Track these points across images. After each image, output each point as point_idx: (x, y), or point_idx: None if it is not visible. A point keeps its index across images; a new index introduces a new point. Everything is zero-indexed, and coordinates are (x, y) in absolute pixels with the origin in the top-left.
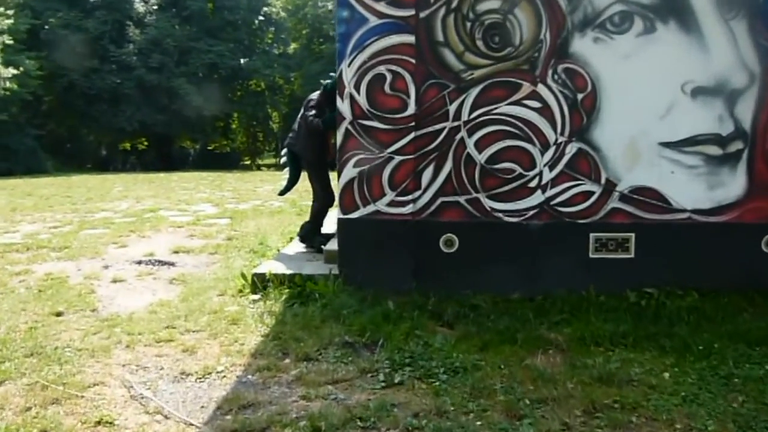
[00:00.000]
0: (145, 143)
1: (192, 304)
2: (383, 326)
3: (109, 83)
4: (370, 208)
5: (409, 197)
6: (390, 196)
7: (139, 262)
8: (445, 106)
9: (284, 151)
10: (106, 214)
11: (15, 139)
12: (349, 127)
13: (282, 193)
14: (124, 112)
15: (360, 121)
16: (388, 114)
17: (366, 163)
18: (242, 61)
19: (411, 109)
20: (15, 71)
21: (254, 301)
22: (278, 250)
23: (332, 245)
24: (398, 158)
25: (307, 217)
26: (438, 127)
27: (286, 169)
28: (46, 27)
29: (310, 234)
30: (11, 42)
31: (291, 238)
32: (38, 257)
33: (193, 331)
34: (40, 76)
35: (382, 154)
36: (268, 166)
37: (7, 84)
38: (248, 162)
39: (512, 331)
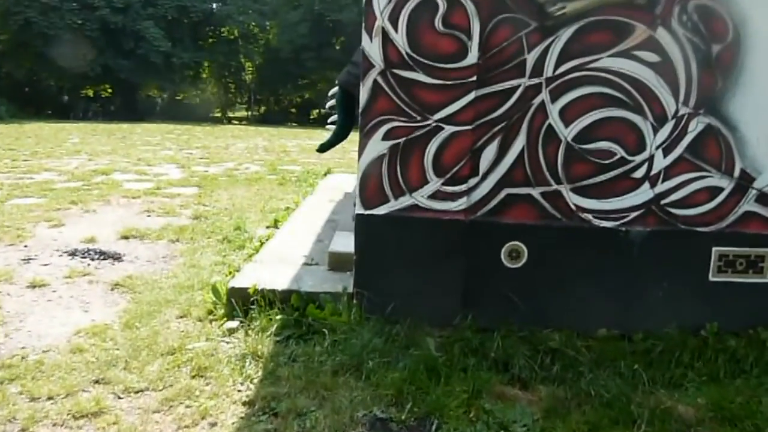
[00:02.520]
0: (109, 90)
1: (139, 335)
2: (430, 387)
3: (69, 23)
4: (405, 200)
5: (463, 187)
6: (434, 184)
7: (74, 253)
8: (522, 54)
9: (333, 90)
10: (47, 176)
11: None
12: (380, 79)
13: (323, 148)
14: (86, 55)
15: (396, 70)
16: (438, 62)
17: (402, 134)
18: (214, 5)
19: (472, 57)
20: None
21: (231, 331)
22: (261, 242)
23: (340, 244)
24: (450, 129)
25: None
26: (509, 84)
27: (333, 117)
28: None
29: None
30: None
31: (276, 221)
32: None
33: (137, 392)
34: None
35: (426, 122)
36: (240, 120)
37: None
38: (219, 114)
39: (623, 399)
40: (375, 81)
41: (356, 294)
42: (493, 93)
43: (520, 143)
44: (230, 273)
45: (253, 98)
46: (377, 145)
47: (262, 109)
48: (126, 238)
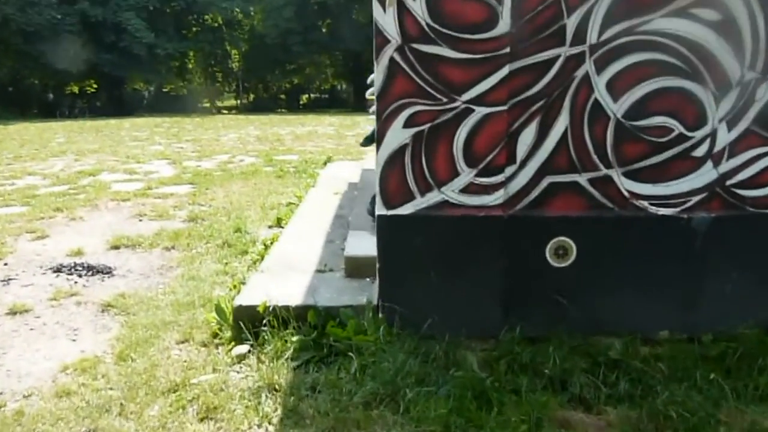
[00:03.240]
0: (94, 86)
1: (135, 368)
2: (481, 418)
3: (48, 18)
4: (433, 196)
5: (499, 177)
6: (466, 175)
7: (59, 270)
8: (560, 19)
9: (372, 77)
10: (31, 181)
11: None
12: (397, 56)
13: (367, 142)
14: (67, 51)
15: (415, 45)
16: (464, 33)
17: (426, 119)
18: None
19: (504, 25)
20: None
21: (240, 358)
22: (265, 246)
23: (357, 247)
24: (481, 110)
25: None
26: (547, 55)
27: (373, 108)
28: None
29: None
30: None
31: (279, 219)
32: None
33: None
34: None
35: (454, 104)
36: (229, 109)
37: None
38: (208, 105)
39: (710, 421)
40: (392, 59)
41: (382, 307)
42: (529, 66)
43: (562, 123)
44: (234, 286)
45: (241, 86)
46: (398, 134)
47: (251, 96)
48: (116, 248)
